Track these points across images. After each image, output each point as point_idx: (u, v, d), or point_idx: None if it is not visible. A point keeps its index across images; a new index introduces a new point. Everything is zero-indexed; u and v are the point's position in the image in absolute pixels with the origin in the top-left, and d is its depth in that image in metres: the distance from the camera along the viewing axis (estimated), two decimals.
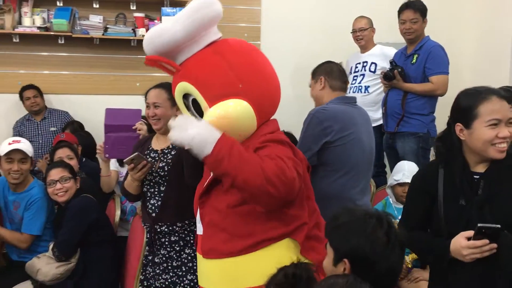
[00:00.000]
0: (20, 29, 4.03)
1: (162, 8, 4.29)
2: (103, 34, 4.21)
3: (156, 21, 4.30)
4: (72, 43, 4.29)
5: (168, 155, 2.34)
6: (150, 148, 2.42)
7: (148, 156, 2.36)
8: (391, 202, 2.91)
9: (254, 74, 1.70)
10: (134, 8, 4.39)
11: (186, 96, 1.74)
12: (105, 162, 3.01)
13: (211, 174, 1.73)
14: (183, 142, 1.53)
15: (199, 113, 1.71)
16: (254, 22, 4.66)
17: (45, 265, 2.61)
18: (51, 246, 2.67)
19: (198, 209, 1.81)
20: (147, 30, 4.27)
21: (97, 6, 4.28)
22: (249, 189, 1.51)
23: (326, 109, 2.40)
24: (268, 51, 4.56)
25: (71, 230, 2.62)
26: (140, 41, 4.31)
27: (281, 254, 1.66)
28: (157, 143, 2.42)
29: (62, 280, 2.63)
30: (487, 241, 1.59)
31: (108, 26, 4.26)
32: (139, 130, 2.70)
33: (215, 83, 1.66)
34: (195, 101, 1.71)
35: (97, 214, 2.71)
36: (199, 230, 1.81)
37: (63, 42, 4.23)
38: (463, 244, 1.63)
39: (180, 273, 2.32)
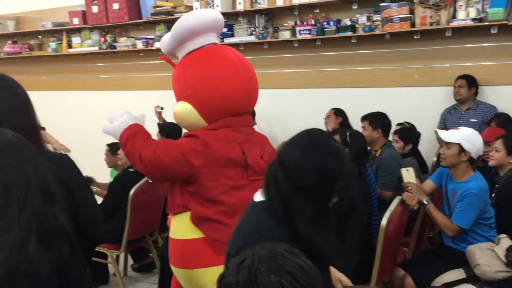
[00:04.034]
0: (454, 23, 4.11)
1: None
2: None
3: None
4: (505, 32, 4.09)
5: None
6: None
7: None
8: None
9: (201, 84, 2.25)
10: None
11: None
12: None
13: None
14: (109, 132, 2.31)
15: None
16: None
17: (486, 265, 2.59)
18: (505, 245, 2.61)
19: None
20: None
21: None
22: (134, 164, 2.26)
23: None
24: None
25: None
26: None
27: (183, 221, 2.26)
28: None
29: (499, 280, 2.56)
30: None
31: None
32: None
33: (175, 89, 2.37)
34: None
35: None
36: None
37: (495, 31, 4.08)
38: None
39: None
